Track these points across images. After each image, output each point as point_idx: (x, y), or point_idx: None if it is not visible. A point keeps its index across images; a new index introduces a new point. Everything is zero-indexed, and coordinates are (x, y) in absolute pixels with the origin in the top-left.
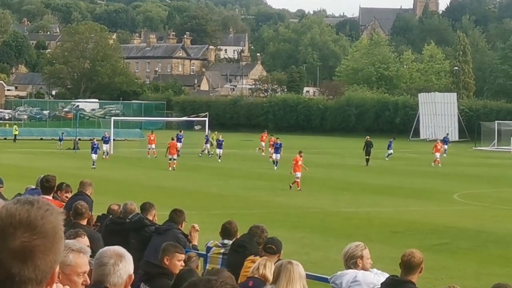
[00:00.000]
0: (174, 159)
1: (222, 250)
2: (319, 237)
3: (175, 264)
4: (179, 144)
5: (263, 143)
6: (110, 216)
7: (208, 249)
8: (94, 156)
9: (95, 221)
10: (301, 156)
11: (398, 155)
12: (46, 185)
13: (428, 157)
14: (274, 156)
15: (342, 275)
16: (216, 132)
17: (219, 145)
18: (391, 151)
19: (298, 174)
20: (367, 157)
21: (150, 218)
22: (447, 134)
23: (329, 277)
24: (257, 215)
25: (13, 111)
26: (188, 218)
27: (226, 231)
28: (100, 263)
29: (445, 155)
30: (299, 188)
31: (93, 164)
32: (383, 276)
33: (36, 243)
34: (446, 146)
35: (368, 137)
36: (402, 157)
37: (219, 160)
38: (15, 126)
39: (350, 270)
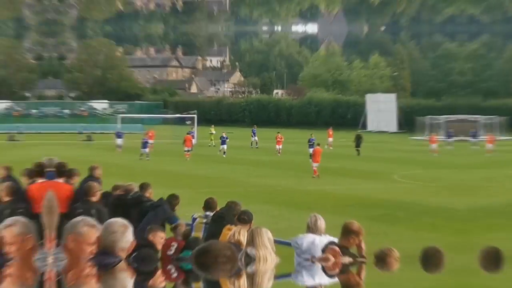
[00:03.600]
0: (189, 151)
1: (204, 220)
2: (285, 210)
3: (158, 241)
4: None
5: (330, 139)
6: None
7: (194, 219)
8: (146, 150)
9: (100, 197)
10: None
11: (350, 143)
12: (61, 170)
13: (372, 146)
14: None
15: (303, 238)
16: (212, 126)
17: (223, 142)
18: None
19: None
20: (358, 148)
21: (147, 195)
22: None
23: (291, 240)
24: (235, 192)
25: None
26: (180, 195)
27: (208, 205)
28: (111, 231)
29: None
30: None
31: (147, 156)
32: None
33: None
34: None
35: (359, 130)
36: (352, 145)
37: (224, 156)
38: None
39: (309, 234)
